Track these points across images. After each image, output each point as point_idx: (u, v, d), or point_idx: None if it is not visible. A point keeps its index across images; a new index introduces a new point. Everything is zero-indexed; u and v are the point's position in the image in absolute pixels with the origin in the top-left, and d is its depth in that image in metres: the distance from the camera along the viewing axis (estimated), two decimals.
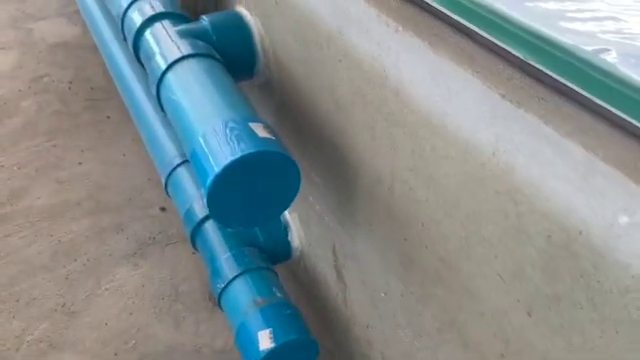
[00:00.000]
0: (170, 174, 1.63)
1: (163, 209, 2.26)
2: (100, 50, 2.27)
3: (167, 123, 1.67)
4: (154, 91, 1.19)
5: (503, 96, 0.66)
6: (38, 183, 2.34)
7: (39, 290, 1.95)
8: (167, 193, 1.69)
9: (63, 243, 2.11)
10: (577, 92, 0.63)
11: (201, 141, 1.01)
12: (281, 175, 1.01)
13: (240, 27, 1.34)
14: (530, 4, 0.74)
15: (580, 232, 0.61)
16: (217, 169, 0.95)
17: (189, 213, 1.55)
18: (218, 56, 1.24)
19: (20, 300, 1.92)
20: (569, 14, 0.73)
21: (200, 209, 1.52)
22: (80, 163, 2.44)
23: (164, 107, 1.19)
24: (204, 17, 1.32)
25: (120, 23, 1.43)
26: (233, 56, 1.32)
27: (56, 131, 2.60)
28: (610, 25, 0.70)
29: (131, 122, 1.99)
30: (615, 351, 0.62)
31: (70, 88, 2.85)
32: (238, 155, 0.95)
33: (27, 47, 3.13)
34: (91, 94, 2.82)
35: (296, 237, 1.55)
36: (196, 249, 1.61)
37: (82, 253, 2.07)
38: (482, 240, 0.79)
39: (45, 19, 3.38)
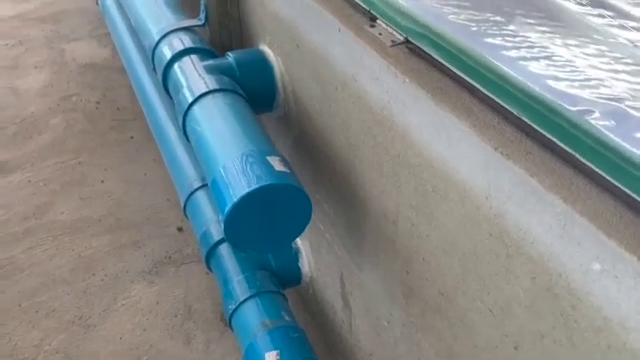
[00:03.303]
0: (189, 197, 1.71)
1: (180, 229, 2.33)
2: (127, 72, 2.38)
3: (188, 147, 1.76)
4: (180, 121, 1.28)
5: (495, 148, 0.74)
6: (62, 199, 2.44)
7: (58, 302, 2.03)
8: (185, 214, 1.77)
9: (83, 258, 2.19)
10: (560, 148, 0.70)
11: (222, 171, 1.09)
12: (294, 206, 1.09)
13: (262, 64, 1.43)
14: (523, 63, 0.82)
15: (560, 275, 0.68)
16: (235, 199, 1.03)
17: (205, 235, 1.62)
18: (241, 91, 1.33)
19: (40, 311, 2.00)
20: (559, 74, 0.80)
21: (216, 232, 1.60)
22: (103, 181, 2.54)
23: (189, 137, 1.28)
24: (229, 54, 1.42)
25: (151, 55, 1.53)
26: (255, 90, 1.41)
27: (82, 149, 2.71)
28: (596, 88, 0.77)
29: (154, 143, 2.08)
30: None
31: (97, 108, 2.97)
32: (255, 187, 1.03)
33: (59, 66, 3.27)
34: (117, 114, 2.93)
35: (306, 263, 1.62)
36: (210, 270, 1.68)
37: (101, 268, 2.16)
38: (476, 277, 0.85)
39: (77, 40, 3.53)
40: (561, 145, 0.70)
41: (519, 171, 0.70)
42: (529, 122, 0.74)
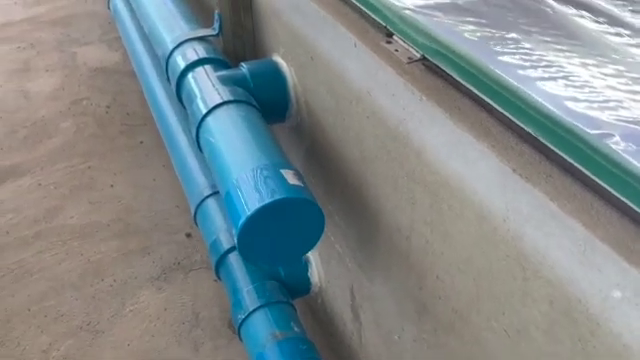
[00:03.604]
0: (199, 205, 1.70)
1: (188, 235, 2.34)
2: (138, 77, 2.38)
3: (199, 154, 1.76)
4: (194, 132, 1.28)
5: (514, 170, 0.73)
6: (72, 203, 2.45)
7: (67, 307, 2.03)
8: (195, 222, 1.77)
9: (92, 263, 2.19)
10: (580, 171, 0.69)
11: (235, 184, 1.09)
12: (307, 220, 1.09)
13: (276, 75, 1.43)
14: (540, 83, 0.81)
15: (579, 301, 0.67)
16: (249, 212, 1.03)
17: (215, 244, 1.62)
18: (254, 102, 1.33)
19: (48, 316, 2.00)
20: (577, 95, 0.79)
21: (226, 240, 1.59)
22: (112, 185, 2.55)
23: (202, 148, 1.28)
24: (243, 64, 1.42)
25: (165, 64, 1.54)
26: (268, 101, 1.41)
27: (92, 153, 2.72)
28: (615, 110, 0.77)
29: (163, 148, 2.08)
30: None
31: (107, 112, 2.98)
32: (269, 200, 1.03)
33: (70, 70, 3.29)
34: (127, 119, 2.94)
35: (316, 274, 1.62)
36: (219, 278, 1.68)
37: (109, 274, 2.16)
38: (491, 297, 0.85)
39: (88, 44, 3.54)
40: (580, 168, 0.70)
41: (538, 194, 0.70)
42: (547, 143, 0.73)
